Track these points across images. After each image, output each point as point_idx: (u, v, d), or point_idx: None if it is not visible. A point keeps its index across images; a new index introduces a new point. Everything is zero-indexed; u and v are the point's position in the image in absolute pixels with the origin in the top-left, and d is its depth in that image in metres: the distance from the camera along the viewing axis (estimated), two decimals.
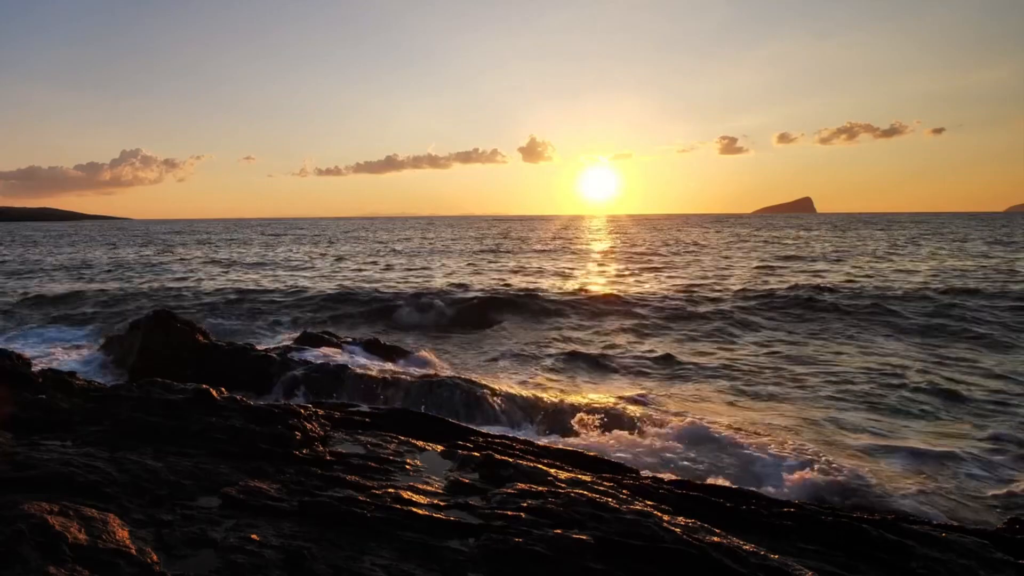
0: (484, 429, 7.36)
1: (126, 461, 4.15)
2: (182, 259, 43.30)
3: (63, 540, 2.88)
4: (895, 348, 14.48)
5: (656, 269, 33.41)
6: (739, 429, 8.69)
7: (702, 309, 19.44)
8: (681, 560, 3.23)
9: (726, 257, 40.33)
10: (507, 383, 11.42)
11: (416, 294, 22.16)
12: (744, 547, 3.39)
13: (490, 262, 39.26)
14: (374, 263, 39.30)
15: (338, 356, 12.09)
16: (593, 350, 15.01)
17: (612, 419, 9.28)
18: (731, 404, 10.50)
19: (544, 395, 10.68)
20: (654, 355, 14.18)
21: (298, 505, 3.72)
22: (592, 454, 6.19)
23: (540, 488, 4.06)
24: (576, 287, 24.79)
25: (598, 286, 25.55)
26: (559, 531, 3.42)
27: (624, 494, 4.24)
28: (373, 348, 13.29)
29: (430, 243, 63.18)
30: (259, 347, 12.40)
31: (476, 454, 5.05)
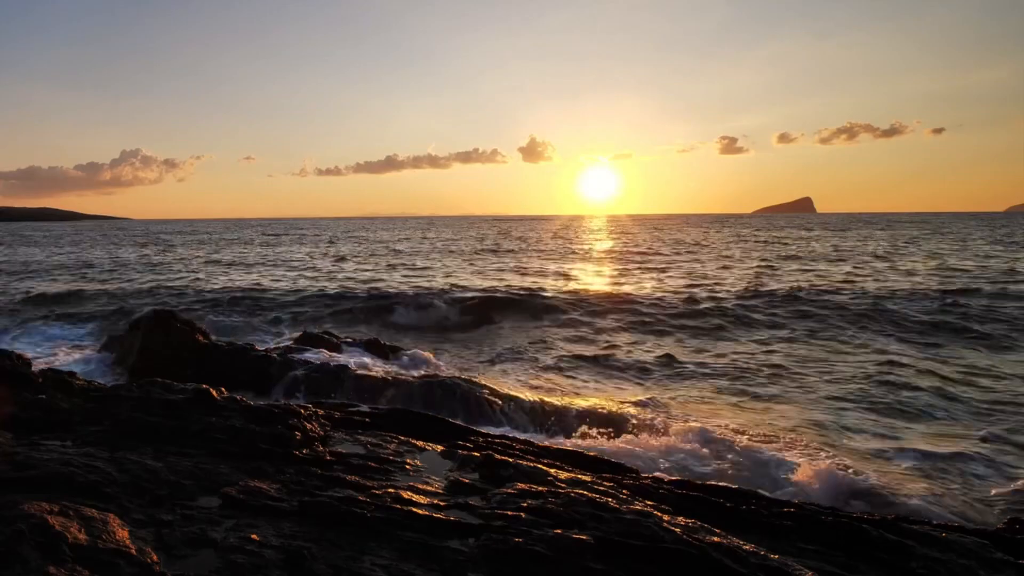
0: (484, 429, 7.36)
1: (126, 461, 4.15)
2: (182, 259, 43.31)
3: (63, 540, 2.88)
4: (896, 348, 14.48)
5: (656, 269, 33.41)
6: (741, 432, 8.67)
7: (703, 309, 19.43)
8: (681, 560, 3.23)
9: (727, 257, 40.33)
10: (507, 383, 11.42)
11: (416, 294, 22.16)
12: (744, 547, 3.39)
13: (490, 262, 39.25)
14: (374, 263, 39.30)
15: (338, 356, 12.10)
16: (594, 350, 15.02)
17: (613, 420, 9.28)
18: (733, 405, 10.49)
19: (544, 395, 10.68)
20: (655, 355, 14.18)
21: (298, 505, 3.72)
22: (592, 454, 6.19)
23: (540, 488, 4.06)
24: (576, 287, 24.78)
25: (599, 286, 25.55)
26: (559, 531, 3.42)
27: (624, 494, 4.24)
28: (373, 348, 13.30)
29: (430, 243, 63.19)
30: (259, 347, 12.40)
31: (476, 454, 5.05)
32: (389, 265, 37.56)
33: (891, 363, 12.86)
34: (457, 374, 11.14)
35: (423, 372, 11.64)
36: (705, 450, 7.86)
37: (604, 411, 9.66)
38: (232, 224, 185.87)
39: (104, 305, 22.06)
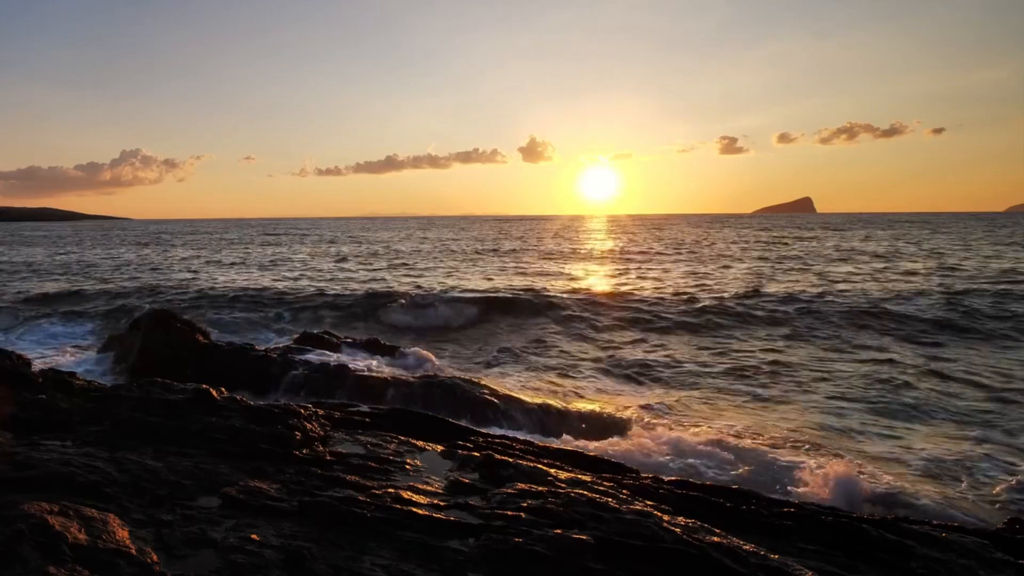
0: (484, 429, 7.37)
1: (126, 461, 4.15)
2: (182, 259, 43.32)
3: (63, 540, 2.88)
4: (897, 348, 14.47)
5: (656, 269, 33.41)
6: (745, 435, 8.65)
7: (704, 309, 19.42)
8: (681, 560, 3.23)
9: (727, 257, 40.33)
10: (507, 384, 11.42)
11: (416, 294, 22.15)
12: (744, 547, 3.39)
13: (490, 262, 39.25)
14: (374, 263, 39.31)
15: (338, 356, 12.09)
16: (594, 350, 15.02)
17: (613, 420, 9.28)
18: (735, 406, 10.49)
19: (544, 396, 10.68)
20: (655, 355, 14.18)
21: (298, 505, 3.72)
22: (592, 454, 6.19)
23: (540, 488, 4.06)
24: (577, 287, 24.77)
25: (599, 286, 25.55)
26: (559, 531, 3.42)
27: (624, 494, 4.24)
28: (373, 348, 13.30)
29: (430, 243, 63.19)
30: (259, 347, 12.40)
31: (476, 454, 5.06)
32: (389, 265, 37.57)
33: (892, 363, 12.86)
34: (457, 374, 11.14)
35: (423, 372, 11.64)
36: (711, 452, 7.83)
37: (605, 412, 9.66)
38: (232, 224, 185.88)
39: (104, 305, 22.06)
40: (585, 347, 15.46)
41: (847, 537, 3.87)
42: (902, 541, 3.80)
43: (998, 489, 7.12)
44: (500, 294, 22.30)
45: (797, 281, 25.53)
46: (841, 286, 24.01)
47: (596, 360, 13.90)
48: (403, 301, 20.87)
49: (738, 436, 8.49)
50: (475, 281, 28.08)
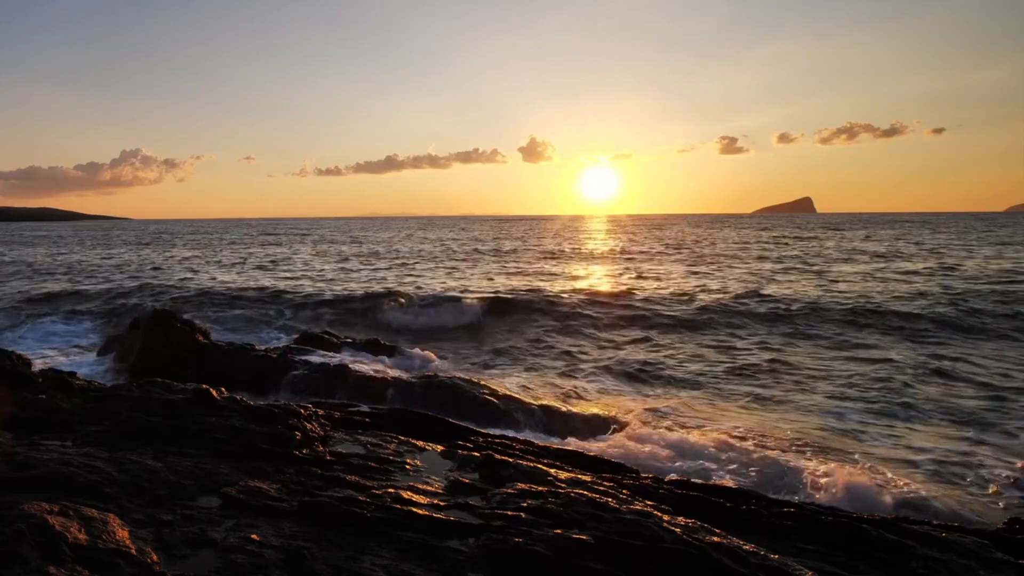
0: (484, 429, 7.36)
1: (126, 461, 4.15)
2: (182, 259, 43.33)
3: (63, 540, 2.88)
4: (899, 348, 14.47)
5: (657, 269, 33.41)
6: (748, 436, 8.62)
7: (704, 309, 19.42)
8: (681, 560, 3.23)
9: (727, 257, 40.33)
10: (507, 384, 11.41)
11: (416, 295, 22.16)
12: (744, 547, 3.39)
13: (490, 262, 39.26)
14: (374, 263, 39.32)
15: (338, 356, 12.10)
16: (594, 350, 15.02)
17: (614, 420, 9.28)
18: (736, 407, 10.48)
19: (545, 396, 10.68)
20: (656, 355, 14.18)
21: (298, 505, 3.72)
22: (592, 454, 6.19)
23: (540, 488, 4.06)
24: (577, 288, 24.77)
25: (599, 287, 25.54)
26: (559, 531, 3.42)
27: (624, 494, 4.24)
28: (373, 348, 13.30)
29: (430, 243, 63.20)
30: (259, 347, 12.40)
31: (476, 454, 5.06)
32: (389, 265, 37.58)
33: (892, 362, 12.86)
34: (457, 374, 11.14)
35: (423, 372, 11.64)
36: (716, 455, 7.80)
37: (605, 412, 9.66)
38: (232, 224, 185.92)
39: (104, 304, 22.06)
40: (585, 347, 15.46)
41: (847, 537, 3.87)
42: (902, 541, 3.80)
43: (998, 489, 7.12)
44: (500, 294, 22.30)
45: (798, 281, 25.53)
46: (841, 286, 24.02)
47: (597, 360, 13.89)
48: (403, 301, 20.87)
49: (742, 438, 8.45)
50: (475, 281, 28.09)
